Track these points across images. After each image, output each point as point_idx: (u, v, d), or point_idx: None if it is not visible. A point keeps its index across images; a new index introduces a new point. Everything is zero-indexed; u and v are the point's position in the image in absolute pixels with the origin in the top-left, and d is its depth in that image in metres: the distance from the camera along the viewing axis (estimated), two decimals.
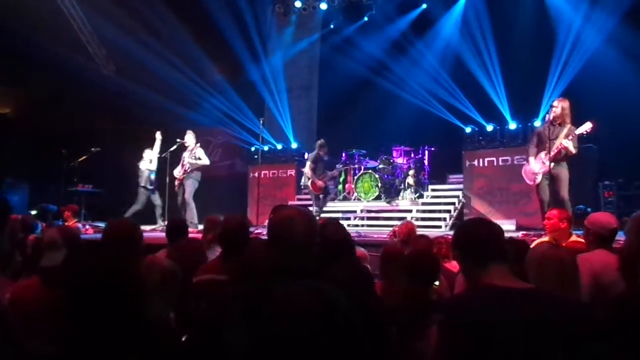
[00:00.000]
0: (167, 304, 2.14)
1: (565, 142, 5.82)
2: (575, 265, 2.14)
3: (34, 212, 9.06)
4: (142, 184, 9.05)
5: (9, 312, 2.15)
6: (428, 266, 2.61)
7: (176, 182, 8.86)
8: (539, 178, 6.10)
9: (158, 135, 9.07)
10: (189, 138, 8.91)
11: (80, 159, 9.81)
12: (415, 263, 2.60)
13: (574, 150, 5.87)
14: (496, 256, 1.68)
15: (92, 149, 9.88)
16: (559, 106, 5.99)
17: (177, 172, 8.84)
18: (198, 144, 8.90)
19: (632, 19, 8.53)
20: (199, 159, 8.73)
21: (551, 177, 5.98)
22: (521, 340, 1.45)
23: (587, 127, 5.82)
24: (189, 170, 8.71)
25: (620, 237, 3.38)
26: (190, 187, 8.67)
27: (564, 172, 5.99)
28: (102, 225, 8.69)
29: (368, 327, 1.45)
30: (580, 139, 6.02)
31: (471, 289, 1.70)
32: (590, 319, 1.57)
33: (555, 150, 5.89)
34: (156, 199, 9.09)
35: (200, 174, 8.82)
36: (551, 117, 5.96)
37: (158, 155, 9.08)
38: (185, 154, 8.84)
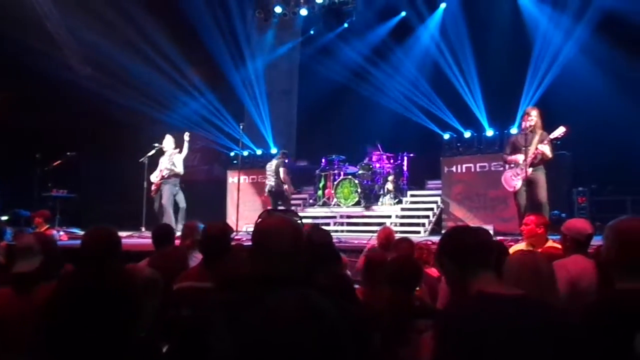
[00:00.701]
0: (148, 313, 2.11)
1: (542, 146, 6.01)
2: (551, 271, 2.18)
3: (5, 218, 8.83)
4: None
5: None
6: (410, 272, 2.63)
7: (153, 188, 8.72)
8: (518, 184, 6.24)
9: (186, 137, 8.80)
10: (168, 142, 8.78)
11: (54, 163, 9.60)
12: (398, 269, 2.61)
13: (550, 154, 6.05)
14: (484, 263, 1.67)
15: (67, 153, 9.68)
16: (533, 114, 6.18)
17: (154, 177, 8.71)
18: (177, 150, 8.78)
19: (604, 31, 8.79)
20: (175, 165, 8.61)
21: (528, 182, 6.13)
22: (515, 346, 1.44)
23: (560, 131, 6.03)
24: (166, 176, 8.58)
25: (592, 242, 3.46)
26: (167, 192, 8.53)
27: (541, 176, 6.16)
28: (77, 231, 8.53)
29: (353, 334, 1.45)
30: (555, 145, 6.19)
31: (462, 297, 1.68)
32: (580, 325, 1.58)
33: (532, 156, 6.06)
34: (181, 201, 8.79)
35: (178, 180, 8.70)
36: (527, 125, 6.12)
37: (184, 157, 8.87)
38: (163, 159, 8.71)
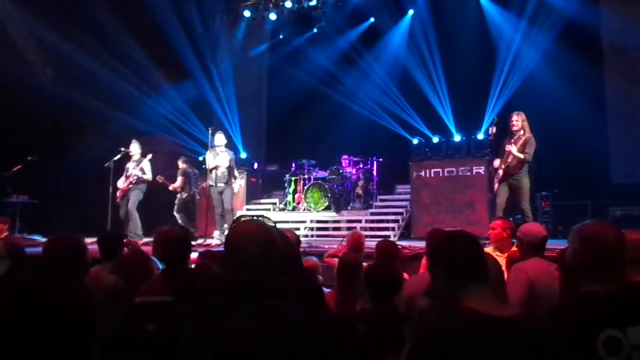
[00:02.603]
0: (111, 324, 2.04)
1: (509, 146, 6.20)
2: (500, 269, 2.23)
3: None
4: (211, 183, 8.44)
5: None
6: (393, 278, 2.63)
7: (118, 193, 8.53)
8: (496, 185, 6.45)
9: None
10: (135, 148, 8.62)
11: (14, 169, 9.28)
12: (380, 275, 2.61)
13: (520, 155, 6.18)
14: (479, 276, 1.55)
15: (28, 158, 9.37)
16: (519, 120, 6.38)
17: (121, 182, 8.54)
18: (148, 156, 8.62)
19: (564, 40, 9.09)
20: (144, 172, 8.47)
21: (511, 188, 6.32)
22: None
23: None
24: (134, 182, 8.43)
25: (554, 245, 3.59)
26: (135, 197, 8.39)
27: (523, 182, 6.32)
28: (38, 238, 8.26)
29: (327, 343, 1.43)
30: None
31: (449, 313, 1.55)
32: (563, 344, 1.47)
33: (507, 155, 6.26)
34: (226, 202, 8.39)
35: (145, 186, 8.55)
36: (513, 129, 6.34)
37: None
38: (130, 165, 8.55)
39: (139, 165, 8.45)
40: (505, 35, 9.92)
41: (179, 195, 9.15)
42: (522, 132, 6.34)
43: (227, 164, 8.35)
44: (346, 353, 1.57)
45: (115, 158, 8.71)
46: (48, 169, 10.03)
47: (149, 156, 8.59)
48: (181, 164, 9.01)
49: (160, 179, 8.99)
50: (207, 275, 2.65)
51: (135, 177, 8.39)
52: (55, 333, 1.32)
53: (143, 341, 2.15)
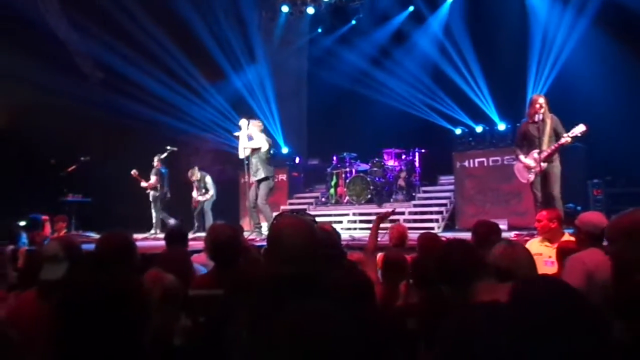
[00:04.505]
0: (168, 320, 2.12)
1: (566, 138, 5.85)
2: (531, 260, 2.19)
3: (23, 223, 8.95)
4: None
5: (4, 327, 2.12)
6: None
7: (194, 203, 9.29)
8: (532, 176, 6.14)
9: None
10: (195, 173, 9.27)
11: (69, 169, 9.74)
12: (424, 268, 2.60)
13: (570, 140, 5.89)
14: (479, 274, 1.65)
15: (81, 158, 9.82)
16: (541, 102, 6.05)
17: (195, 194, 9.29)
18: (207, 175, 9.32)
19: (609, 21, 8.63)
20: (207, 190, 9.19)
21: (543, 174, 6.03)
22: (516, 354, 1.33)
23: (580, 129, 5.82)
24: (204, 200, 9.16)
25: None
26: (210, 213, 9.23)
27: (555, 168, 6.03)
28: (93, 235, 8.65)
29: (371, 341, 1.43)
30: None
31: (462, 310, 1.62)
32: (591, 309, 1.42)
33: (553, 147, 5.92)
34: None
35: (213, 198, 9.34)
36: (541, 117, 5.99)
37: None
38: (197, 184, 9.26)
39: (203, 186, 9.18)
40: (545, 18, 9.52)
41: (152, 193, 9.23)
42: (542, 115, 6.02)
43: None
44: (396, 349, 1.58)
45: (162, 156, 9.01)
46: (100, 168, 10.47)
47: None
48: (156, 163, 9.17)
49: (134, 174, 9.14)
50: (256, 270, 2.70)
51: (207, 198, 9.16)
52: (111, 326, 1.39)
53: (195, 335, 2.22)
